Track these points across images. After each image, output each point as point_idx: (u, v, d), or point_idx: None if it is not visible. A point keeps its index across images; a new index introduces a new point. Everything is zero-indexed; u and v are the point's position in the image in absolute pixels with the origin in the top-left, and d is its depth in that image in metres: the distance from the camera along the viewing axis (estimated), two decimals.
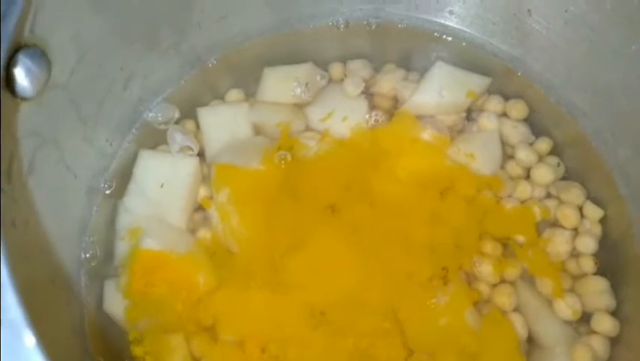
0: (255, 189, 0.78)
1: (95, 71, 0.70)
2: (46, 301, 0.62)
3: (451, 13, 0.89)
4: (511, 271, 0.75)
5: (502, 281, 0.75)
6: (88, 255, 0.76)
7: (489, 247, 0.76)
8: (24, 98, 0.57)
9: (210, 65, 0.88)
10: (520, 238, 0.76)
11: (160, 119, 0.84)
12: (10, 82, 0.54)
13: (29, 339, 0.36)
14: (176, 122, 0.84)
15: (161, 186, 0.77)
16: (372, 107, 0.84)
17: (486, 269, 0.74)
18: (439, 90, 0.82)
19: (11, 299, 0.37)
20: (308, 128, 0.84)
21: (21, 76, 0.55)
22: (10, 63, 0.54)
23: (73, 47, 0.65)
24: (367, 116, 0.83)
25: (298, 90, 0.84)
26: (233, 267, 0.74)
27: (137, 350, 0.70)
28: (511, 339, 0.70)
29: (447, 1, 0.88)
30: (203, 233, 0.77)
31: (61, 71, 0.63)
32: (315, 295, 0.71)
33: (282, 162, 0.79)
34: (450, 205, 0.77)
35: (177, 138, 0.80)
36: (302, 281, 0.73)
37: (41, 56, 0.58)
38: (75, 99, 0.68)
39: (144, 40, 0.78)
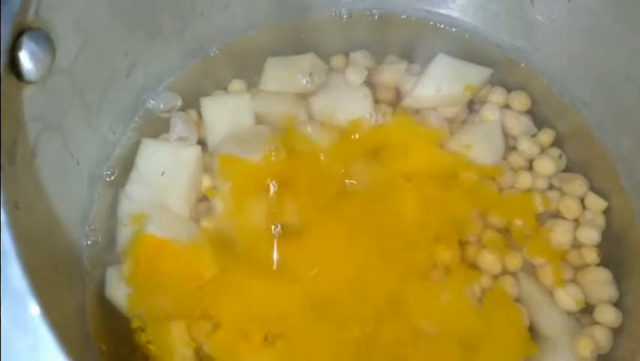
0: (256, 179, 0.77)
1: (98, 57, 0.70)
2: (48, 285, 0.61)
3: (453, 3, 0.89)
4: (513, 262, 0.74)
5: (504, 272, 0.74)
6: (90, 242, 0.75)
7: (491, 237, 0.75)
8: (28, 82, 0.57)
9: (213, 55, 0.88)
10: (520, 223, 0.76)
11: (162, 107, 0.84)
12: (14, 65, 0.54)
13: (34, 308, 0.36)
14: (180, 110, 0.84)
15: (163, 174, 0.77)
16: (375, 98, 0.84)
17: (488, 259, 0.74)
18: (440, 82, 0.82)
19: (15, 269, 0.36)
20: (311, 119, 0.83)
21: (25, 59, 0.55)
22: (15, 46, 0.54)
23: (77, 32, 0.65)
24: (370, 110, 0.82)
25: (304, 81, 0.84)
26: (235, 257, 0.74)
27: (139, 337, 0.70)
28: (515, 319, 0.70)
29: None
30: (207, 223, 0.77)
31: (65, 56, 0.63)
32: (318, 284, 0.71)
33: (273, 154, 0.78)
34: (451, 196, 0.77)
35: (178, 127, 0.80)
36: (304, 271, 0.72)
37: (46, 39, 0.58)
38: (79, 85, 0.68)
39: (147, 27, 0.78)
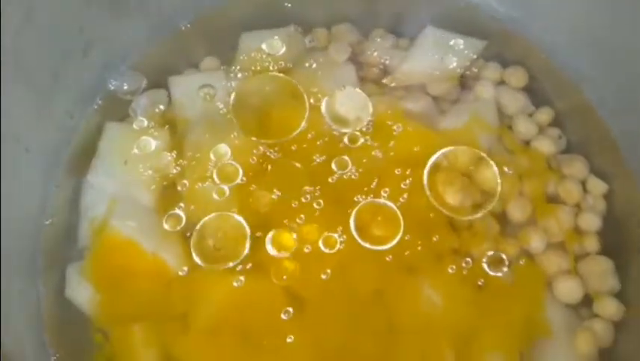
0: (230, 166, 0.73)
1: (46, 33, 0.65)
2: None
3: None
4: (510, 251, 0.71)
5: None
6: (47, 238, 0.71)
7: (486, 224, 0.72)
8: None
9: (183, 30, 0.83)
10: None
11: (126, 88, 0.80)
12: None
13: None
14: (145, 92, 0.79)
15: (128, 161, 0.73)
16: (360, 76, 0.80)
17: (484, 248, 0.70)
18: (430, 57, 0.80)
19: None
20: (290, 99, 0.78)
21: None
22: None
23: (18, 3, 0.58)
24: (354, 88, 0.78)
25: (282, 57, 0.80)
26: (207, 251, 0.69)
27: (101, 340, 0.66)
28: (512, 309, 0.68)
29: None
30: (175, 212, 0.72)
31: (5, 31, 0.58)
32: (295, 280, 0.67)
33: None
34: (443, 181, 0.72)
35: (142, 109, 0.76)
36: (280, 265, 0.68)
37: None
38: (24, 66, 0.63)
39: None
